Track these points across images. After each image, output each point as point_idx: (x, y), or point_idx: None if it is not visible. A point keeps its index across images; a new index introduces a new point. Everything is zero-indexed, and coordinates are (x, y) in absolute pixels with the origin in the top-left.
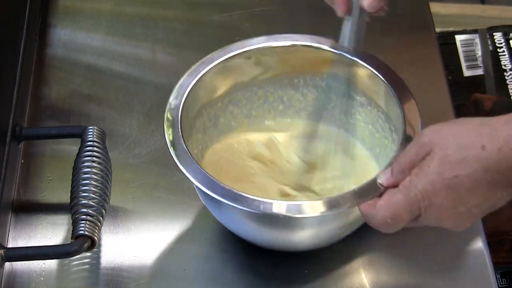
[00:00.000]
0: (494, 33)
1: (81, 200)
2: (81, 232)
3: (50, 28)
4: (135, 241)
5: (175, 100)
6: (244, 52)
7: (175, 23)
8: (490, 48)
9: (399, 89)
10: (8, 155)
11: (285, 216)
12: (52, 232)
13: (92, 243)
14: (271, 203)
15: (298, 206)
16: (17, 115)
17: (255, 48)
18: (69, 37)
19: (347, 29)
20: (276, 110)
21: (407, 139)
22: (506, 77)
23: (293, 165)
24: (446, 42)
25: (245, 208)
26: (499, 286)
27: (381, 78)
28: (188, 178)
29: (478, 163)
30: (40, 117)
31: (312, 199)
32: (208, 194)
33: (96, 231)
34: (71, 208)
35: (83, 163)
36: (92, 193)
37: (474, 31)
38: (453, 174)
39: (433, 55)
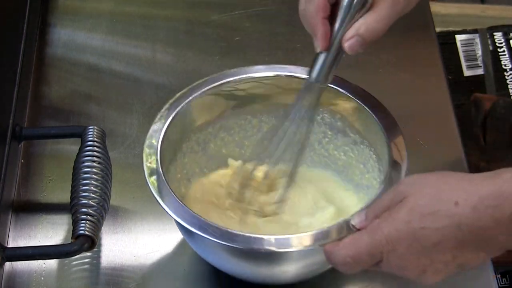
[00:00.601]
0: (494, 33)
1: (81, 200)
2: (81, 232)
3: (50, 27)
4: (135, 241)
5: (159, 122)
6: (239, 79)
7: (175, 23)
8: (490, 48)
9: (390, 128)
10: (8, 155)
11: (254, 249)
12: (52, 232)
13: (92, 243)
14: (240, 235)
15: (270, 241)
16: (17, 115)
17: (251, 76)
18: (69, 37)
19: (320, 62)
20: (269, 141)
21: (390, 183)
22: (506, 77)
23: (270, 198)
24: (446, 41)
25: (212, 238)
26: (499, 286)
27: (373, 117)
28: (164, 210)
29: (448, 219)
30: (40, 117)
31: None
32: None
33: (96, 231)
34: (71, 208)
35: (83, 163)
36: (92, 193)
37: (474, 31)
38: (420, 225)
39: (433, 55)
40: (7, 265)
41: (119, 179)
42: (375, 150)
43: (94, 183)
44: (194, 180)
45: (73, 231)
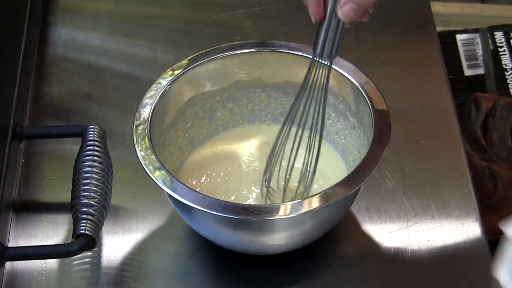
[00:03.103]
0: (495, 33)
1: (82, 200)
2: (82, 231)
3: (51, 27)
4: (135, 241)
5: (164, 81)
6: (252, 52)
7: (175, 22)
8: (491, 47)
9: (379, 112)
10: (9, 154)
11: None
12: (53, 231)
13: (93, 243)
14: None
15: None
16: (17, 114)
17: (264, 49)
18: (70, 36)
19: (321, 36)
20: (275, 117)
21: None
22: (506, 77)
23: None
24: (447, 41)
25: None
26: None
27: (367, 101)
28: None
29: None
30: (40, 116)
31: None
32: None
33: (97, 230)
34: (72, 207)
35: (84, 162)
36: (93, 193)
37: (475, 30)
38: None
39: (434, 54)
40: (8, 264)
41: (119, 178)
42: (367, 135)
43: (95, 182)
44: (197, 147)
45: (73, 230)
